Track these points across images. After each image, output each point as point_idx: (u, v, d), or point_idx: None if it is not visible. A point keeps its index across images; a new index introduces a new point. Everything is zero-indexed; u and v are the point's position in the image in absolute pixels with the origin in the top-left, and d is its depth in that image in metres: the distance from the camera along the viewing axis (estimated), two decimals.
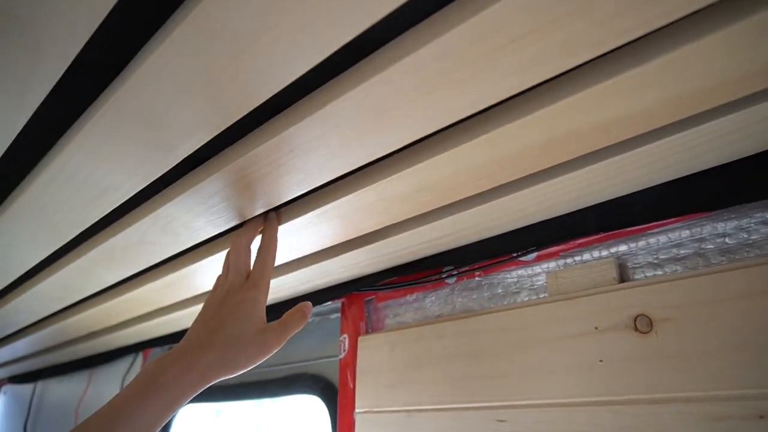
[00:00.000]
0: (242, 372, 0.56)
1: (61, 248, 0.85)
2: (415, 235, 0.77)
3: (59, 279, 0.99)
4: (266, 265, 0.63)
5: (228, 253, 0.67)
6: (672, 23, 0.37)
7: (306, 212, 0.69)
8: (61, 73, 0.44)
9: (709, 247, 0.64)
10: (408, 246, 0.82)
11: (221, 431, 1.67)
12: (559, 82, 0.45)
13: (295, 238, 0.77)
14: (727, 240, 0.63)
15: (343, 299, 1.01)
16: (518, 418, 0.70)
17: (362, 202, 0.66)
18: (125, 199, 0.64)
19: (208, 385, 0.53)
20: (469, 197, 0.68)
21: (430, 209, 0.71)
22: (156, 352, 1.58)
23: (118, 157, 0.55)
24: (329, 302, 1.03)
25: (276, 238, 0.67)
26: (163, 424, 0.50)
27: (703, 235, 0.65)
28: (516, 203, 0.68)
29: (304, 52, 0.40)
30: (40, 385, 2.15)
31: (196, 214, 0.69)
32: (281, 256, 0.87)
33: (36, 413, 2.10)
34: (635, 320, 0.63)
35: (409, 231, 0.76)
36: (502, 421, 0.71)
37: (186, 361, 0.52)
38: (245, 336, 0.56)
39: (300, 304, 0.64)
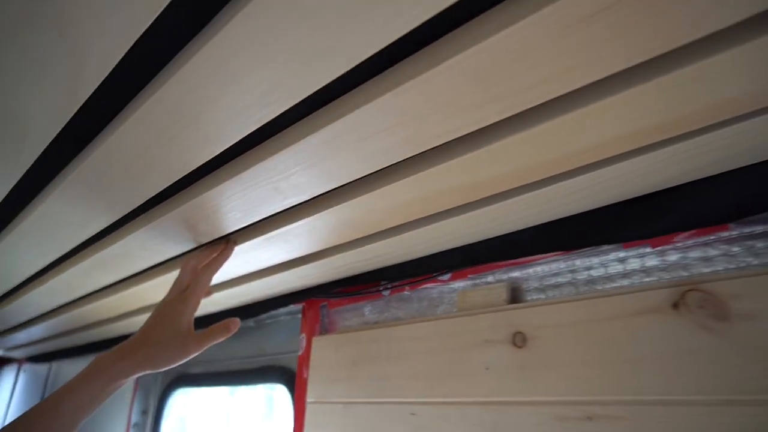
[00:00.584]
0: (167, 368, 0.70)
1: (62, 256, 1.02)
2: (354, 254, 0.92)
3: (63, 279, 1.15)
4: (199, 284, 0.77)
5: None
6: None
7: (255, 237, 0.84)
8: (46, 144, 0.59)
9: (579, 277, 0.77)
10: (349, 263, 0.96)
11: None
12: (424, 156, 0.59)
13: (251, 255, 0.92)
14: (591, 272, 0.76)
15: (303, 303, 1.16)
16: (426, 412, 0.85)
17: (302, 230, 0.81)
18: (103, 227, 0.80)
19: (138, 374, 0.68)
20: (394, 227, 0.81)
21: (359, 237, 0.85)
22: None
23: (94, 201, 0.71)
24: (292, 305, 1.18)
25: (220, 264, 0.82)
26: (103, 400, 0.66)
27: (575, 268, 0.78)
28: (431, 234, 0.82)
29: (231, 133, 0.54)
30: (54, 365, 2.35)
31: (165, 237, 0.84)
32: (245, 267, 1.02)
33: (51, 389, 2.31)
34: (514, 336, 0.77)
35: (349, 251, 0.90)
36: (413, 414, 0.86)
37: (122, 354, 0.68)
38: (168, 339, 0.71)
39: (227, 319, 0.79)
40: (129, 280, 1.19)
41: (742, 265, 0.63)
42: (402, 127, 0.50)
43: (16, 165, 0.64)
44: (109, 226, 0.81)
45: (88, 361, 1.91)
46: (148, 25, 0.39)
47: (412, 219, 0.77)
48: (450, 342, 0.85)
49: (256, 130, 0.53)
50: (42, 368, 2.44)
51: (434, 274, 0.92)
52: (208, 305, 1.36)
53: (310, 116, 0.53)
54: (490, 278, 0.87)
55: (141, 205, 0.72)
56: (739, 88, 0.43)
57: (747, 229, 0.63)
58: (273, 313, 1.30)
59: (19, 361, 2.68)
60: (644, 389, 0.63)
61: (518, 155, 0.55)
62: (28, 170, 0.66)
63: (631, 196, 0.68)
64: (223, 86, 0.46)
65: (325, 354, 1.06)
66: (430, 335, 0.88)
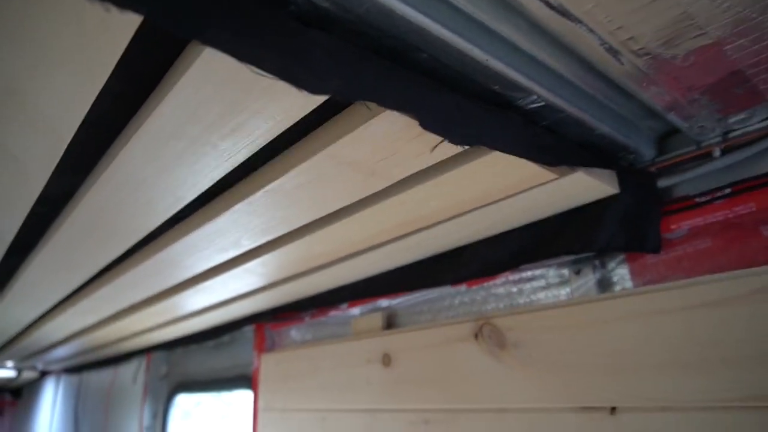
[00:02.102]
0: None
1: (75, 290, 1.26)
2: (281, 291, 1.13)
3: (81, 307, 1.41)
4: None
5: None
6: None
7: (216, 276, 1.05)
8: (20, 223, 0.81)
9: (434, 307, 0.97)
10: (284, 294, 1.17)
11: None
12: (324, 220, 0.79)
13: (216, 289, 1.14)
14: (434, 305, 0.96)
15: (255, 325, 1.39)
16: (333, 418, 1.06)
17: (252, 270, 1.01)
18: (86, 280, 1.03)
19: None
20: (305, 270, 1.02)
21: (288, 275, 1.05)
22: (156, 354, 2.02)
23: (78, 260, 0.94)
24: (247, 326, 1.41)
25: None
26: None
27: (430, 298, 0.97)
28: (335, 272, 1.02)
29: (171, 203, 0.75)
30: (84, 375, 2.68)
31: (143, 284, 1.08)
32: (210, 300, 1.24)
33: (83, 394, 2.65)
34: (383, 357, 0.97)
35: (282, 286, 1.12)
36: (324, 419, 1.08)
37: None
38: None
39: None
40: (122, 313, 1.43)
41: (517, 302, 0.82)
42: (306, 201, 0.68)
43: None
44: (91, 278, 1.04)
45: (108, 373, 2.29)
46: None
47: (321, 263, 0.98)
48: (346, 360, 1.06)
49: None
50: (75, 378, 2.77)
51: (337, 304, 1.12)
52: (185, 327, 1.61)
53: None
54: (375, 306, 1.07)
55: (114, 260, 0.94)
56: (487, 186, 0.61)
57: (519, 275, 0.81)
58: (243, 330, 1.53)
59: (57, 373, 3.04)
60: (459, 401, 0.83)
61: (384, 220, 0.73)
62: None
63: (447, 249, 0.87)
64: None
65: (269, 369, 1.29)
66: (333, 355, 1.09)
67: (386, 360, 0.96)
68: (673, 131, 0.67)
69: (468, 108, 0.47)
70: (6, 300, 1.24)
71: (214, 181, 0.58)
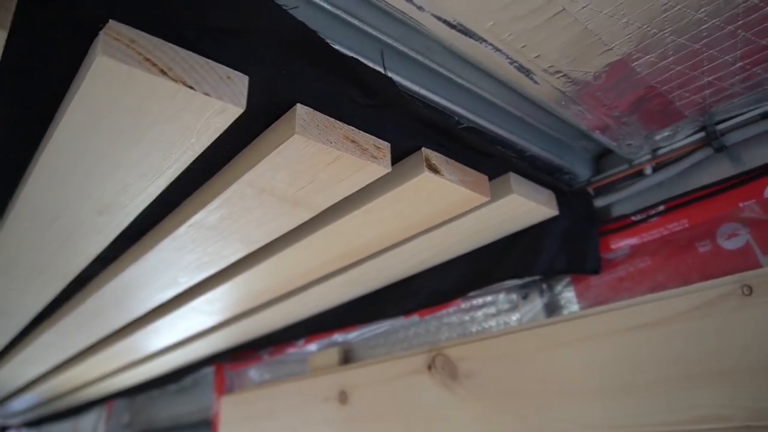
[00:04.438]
0: None
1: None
2: (235, 329, 1.09)
3: (27, 355, 1.33)
4: None
5: None
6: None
7: (168, 313, 1.01)
8: None
9: (389, 340, 0.94)
10: (241, 332, 1.13)
11: None
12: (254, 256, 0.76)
13: (169, 329, 1.10)
14: (389, 337, 0.93)
15: (214, 366, 1.33)
16: None
17: (202, 306, 0.97)
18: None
19: None
20: (254, 307, 0.98)
21: (232, 315, 1.02)
22: (118, 402, 1.94)
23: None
24: (206, 368, 1.36)
25: None
26: None
27: (385, 330, 0.95)
28: (286, 308, 0.98)
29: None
30: (44, 428, 2.55)
31: (78, 330, 1.02)
32: (167, 340, 1.19)
33: None
34: (339, 394, 0.93)
35: (228, 327, 1.08)
36: None
37: None
38: None
39: None
40: (74, 359, 1.37)
41: (469, 331, 0.80)
42: (235, 234, 0.65)
43: None
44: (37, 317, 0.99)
45: (68, 425, 2.14)
46: None
47: (267, 299, 0.94)
48: (304, 400, 1.01)
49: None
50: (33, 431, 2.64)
51: (293, 340, 1.09)
52: (144, 372, 1.55)
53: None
54: (332, 341, 1.04)
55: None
56: (420, 212, 0.60)
57: (470, 302, 0.79)
58: (204, 372, 1.47)
59: (17, 428, 2.89)
60: None
61: (322, 252, 0.70)
62: None
63: (395, 281, 0.85)
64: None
65: (228, 412, 1.23)
66: (292, 394, 1.05)
67: (342, 397, 0.93)
68: (607, 151, 0.68)
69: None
70: None
71: (132, 216, 0.55)
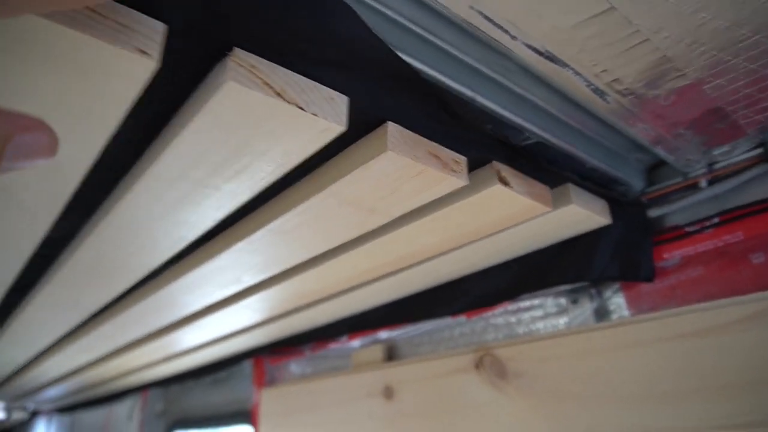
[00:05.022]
0: None
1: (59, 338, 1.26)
2: (277, 326, 1.13)
3: (79, 346, 1.39)
4: None
5: None
6: None
7: (215, 312, 1.06)
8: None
9: (434, 338, 0.97)
10: (283, 328, 1.17)
11: None
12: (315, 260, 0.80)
13: (215, 325, 1.14)
14: (433, 336, 0.96)
15: (253, 360, 1.38)
16: None
17: (249, 306, 1.01)
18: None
19: None
20: (304, 305, 1.02)
21: (280, 313, 1.06)
22: (152, 391, 2.00)
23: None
24: (246, 361, 1.40)
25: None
26: None
27: (430, 329, 0.98)
28: (332, 306, 1.02)
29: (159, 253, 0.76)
30: (77, 414, 2.63)
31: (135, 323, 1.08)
32: (210, 335, 1.24)
33: None
34: (385, 389, 0.97)
35: (273, 324, 1.12)
36: None
37: None
38: None
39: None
40: (119, 351, 1.42)
41: (516, 332, 0.83)
42: (306, 239, 0.69)
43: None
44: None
45: (102, 413, 2.23)
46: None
47: (318, 298, 0.98)
48: (347, 394, 1.05)
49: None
50: (66, 418, 2.72)
51: (336, 337, 1.12)
52: (182, 364, 1.60)
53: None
54: (375, 338, 1.07)
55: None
56: (483, 221, 0.63)
57: (517, 305, 0.82)
58: (241, 364, 1.52)
59: (49, 413, 2.98)
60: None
61: (381, 255, 0.74)
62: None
63: (444, 281, 0.88)
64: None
65: (268, 404, 1.28)
66: (334, 389, 1.09)
67: (388, 393, 0.96)
68: (661, 163, 0.70)
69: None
70: (3, 340, 1.24)
71: (217, 221, 0.59)
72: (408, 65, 0.42)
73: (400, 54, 0.41)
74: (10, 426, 3.46)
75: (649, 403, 0.62)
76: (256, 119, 0.40)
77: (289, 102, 0.39)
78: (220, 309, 1.00)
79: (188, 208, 0.55)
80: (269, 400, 1.28)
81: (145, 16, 0.34)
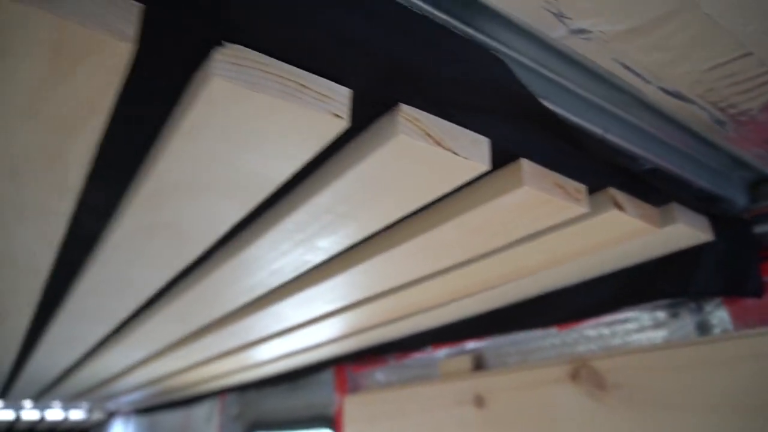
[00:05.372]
0: None
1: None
2: (364, 336, 1.19)
3: (178, 353, 1.50)
4: None
5: None
6: None
7: (272, 339, 1.13)
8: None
9: (523, 349, 1.00)
10: (365, 340, 1.23)
11: None
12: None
13: (299, 338, 1.22)
14: (521, 346, 0.99)
15: (334, 368, 1.44)
16: None
17: (334, 321, 1.08)
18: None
19: None
20: (389, 319, 1.07)
21: (369, 326, 1.11)
22: (230, 397, 2.10)
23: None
24: (327, 369, 1.47)
25: None
26: None
27: (518, 339, 1.01)
28: (422, 318, 1.07)
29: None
30: (155, 416, 2.78)
31: (232, 336, 1.15)
32: (294, 346, 1.31)
33: None
34: (475, 398, 1.01)
35: (359, 336, 1.18)
36: None
37: None
38: None
39: None
40: (208, 360, 1.51)
41: (610, 344, 0.85)
42: (420, 261, 0.75)
43: None
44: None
45: (180, 414, 2.35)
46: None
47: (412, 312, 1.03)
48: (435, 402, 1.09)
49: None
50: (145, 419, 2.88)
51: (421, 347, 1.17)
52: (263, 371, 1.68)
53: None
54: (461, 348, 1.11)
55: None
56: (592, 241, 0.67)
57: (612, 317, 0.84)
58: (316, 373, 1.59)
59: (127, 414, 3.15)
60: None
61: (486, 273, 0.78)
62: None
63: (539, 294, 0.91)
64: None
65: (353, 410, 1.33)
66: (421, 397, 1.13)
67: (479, 401, 1.00)
68: (761, 180, 0.71)
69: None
70: (117, 347, 1.34)
71: (345, 246, 0.64)
72: (546, 108, 0.45)
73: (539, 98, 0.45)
74: (90, 426, 3.68)
75: (753, 416, 0.64)
76: (416, 164, 0.45)
77: (445, 149, 0.44)
78: (309, 325, 1.06)
79: (324, 235, 0.61)
80: (353, 407, 1.34)
81: (335, 84, 0.39)
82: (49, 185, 0.49)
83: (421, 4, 0.38)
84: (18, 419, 3.10)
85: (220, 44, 0.35)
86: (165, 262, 0.71)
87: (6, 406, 2.91)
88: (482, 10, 0.40)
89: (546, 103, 0.47)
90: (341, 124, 0.39)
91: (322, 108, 0.38)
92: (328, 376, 1.54)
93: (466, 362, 1.08)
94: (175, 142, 0.40)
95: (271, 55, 0.36)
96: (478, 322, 1.04)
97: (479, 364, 1.07)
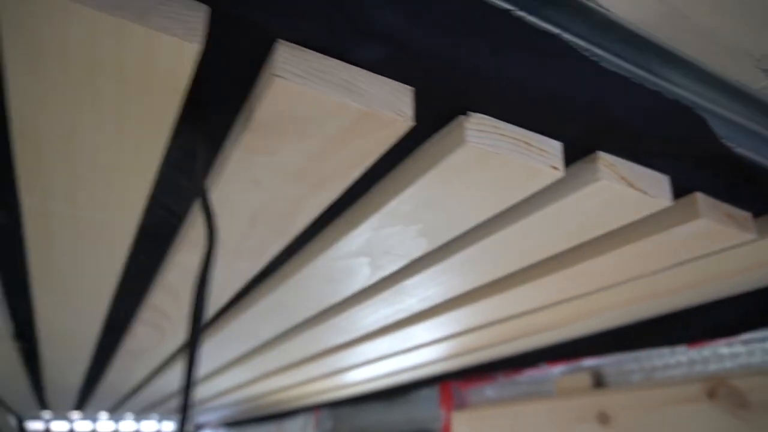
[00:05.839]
0: None
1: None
2: (470, 356, 1.23)
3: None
4: None
5: None
6: None
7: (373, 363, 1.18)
8: None
9: (645, 366, 1.02)
10: (470, 360, 1.27)
11: None
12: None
13: (406, 355, 1.27)
14: (644, 363, 1.00)
15: (439, 385, 1.49)
16: None
17: (432, 346, 1.14)
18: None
19: None
20: (505, 339, 1.12)
21: (479, 346, 1.16)
22: (323, 412, 2.18)
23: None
24: (432, 386, 1.51)
25: None
26: None
27: (641, 356, 1.02)
28: (528, 341, 1.10)
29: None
30: (242, 429, 2.90)
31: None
32: (399, 365, 1.37)
33: None
34: (598, 416, 1.02)
35: (466, 356, 1.22)
36: None
37: None
38: None
39: None
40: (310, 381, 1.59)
41: (747, 363, 0.85)
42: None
43: None
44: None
45: (272, 427, 2.44)
46: None
47: (524, 333, 1.07)
48: (552, 420, 1.12)
49: None
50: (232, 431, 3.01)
51: (535, 364, 1.20)
52: (351, 391, 1.75)
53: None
54: (578, 365, 1.13)
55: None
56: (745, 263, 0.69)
57: (749, 335, 0.85)
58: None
59: (214, 427, 3.30)
60: None
61: (625, 293, 0.82)
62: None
63: (668, 311, 0.92)
64: None
65: (461, 427, 1.37)
66: (535, 414, 1.16)
67: (603, 419, 1.02)
68: None
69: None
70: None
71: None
72: (729, 149, 0.49)
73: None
74: None
75: None
76: (608, 204, 0.50)
77: (636, 189, 0.48)
78: (426, 347, 1.11)
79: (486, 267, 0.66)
80: (462, 423, 1.37)
81: (551, 140, 0.44)
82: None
83: (619, 62, 0.43)
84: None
85: (465, 114, 0.41)
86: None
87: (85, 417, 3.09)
88: (679, 64, 0.45)
89: (725, 142, 0.50)
90: (557, 175, 0.44)
91: (542, 162, 0.43)
92: (430, 391, 1.59)
93: (584, 379, 1.09)
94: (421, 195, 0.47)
95: (504, 120, 0.42)
96: (599, 340, 1.06)
97: (599, 381, 1.09)
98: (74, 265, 0.66)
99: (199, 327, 0.32)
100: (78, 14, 0.28)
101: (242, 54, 0.35)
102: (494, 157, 0.41)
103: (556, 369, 1.18)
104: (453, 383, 1.46)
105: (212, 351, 1.24)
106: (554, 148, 0.44)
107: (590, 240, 0.64)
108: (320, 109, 0.36)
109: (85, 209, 0.51)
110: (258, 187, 0.46)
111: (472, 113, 0.41)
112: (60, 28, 0.29)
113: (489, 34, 0.36)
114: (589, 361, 1.12)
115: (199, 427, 3.55)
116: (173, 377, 1.60)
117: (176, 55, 0.31)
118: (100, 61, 0.32)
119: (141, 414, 3.03)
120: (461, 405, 1.44)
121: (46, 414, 2.70)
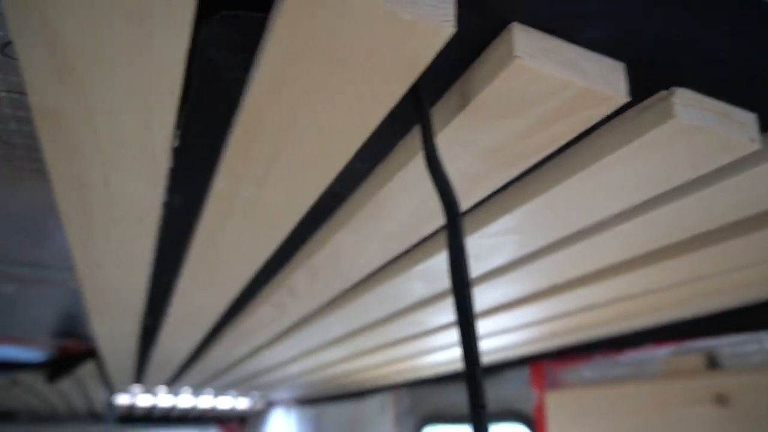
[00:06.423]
0: None
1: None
2: (568, 336, 1.23)
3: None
4: None
5: None
6: None
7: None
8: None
9: (764, 347, 0.99)
10: (566, 340, 1.27)
11: None
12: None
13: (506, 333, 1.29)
14: (765, 344, 0.98)
15: (531, 365, 1.49)
16: None
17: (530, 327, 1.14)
18: None
19: None
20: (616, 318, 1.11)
21: (581, 326, 1.16)
22: (402, 391, 2.23)
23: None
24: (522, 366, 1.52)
25: None
26: None
27: (760, 339, 1.00)
28: (634, 321, 1.10)
29: None
30: (318, 407, 3.00)
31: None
32: (492, 345, 1.39)
33: (323, 425, 2.95)
34: (716, 397, 1.01)
35: (562, 337, 1.22)
36: None
37: None
38: None
39: None
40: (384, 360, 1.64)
41: None
42: None
43: None
44: None
45: (349, 407, 2.55)
46: None
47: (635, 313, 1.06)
48: (658, 401, 1.11)
49: None
50: (310, 410, 3.11)
51: (640, 344, 1.19)
52: (435, 369, 1.78)
53: None
54: (689, 346, 1.12)
55: None
56: None
57: None
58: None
59: (287, 404, 3.43)
60: None
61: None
62: None
63: None
64: None
65: (556, 408, 1.38)
66: (639, 395, 1.15)
67: (721, 400, 1.00)
68: None
69: None
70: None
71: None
72: None
73: None
74: (249, 414, 4.04)
75: None
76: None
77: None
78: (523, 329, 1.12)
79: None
80: (558, 404, 1.38)
81: (748, 113, 0.44)
82: None
83: None
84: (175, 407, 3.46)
85: (667, 89, 0.41)
86: None
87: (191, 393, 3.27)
88: None
89: None
90: (754, 147, 0.44)
91: (741, 134, 0.43)
92: (520, 371, 1.60)
93: (696, 360, 1.08)
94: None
95: (704, 94, 0.42)
96: (713, 321, 1.04)
97: (713, 362, 1.07)
98: (233, 247, 0.70)
99: (470, 303, 0.34)
100: (351, 4, 0.31)
101: (472, 38, 0.37)
102: (697, 130, 0.42)
103: (662, 350, 1.17)
104: (546, 363, 1.46)
105: (317, 331, 1.30)
106: (751, 120, 0.44)
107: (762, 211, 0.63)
108: (546, 87, 0.37)
109: (271, 191, 0.54)
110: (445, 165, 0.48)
111: (676, 88, 0.41)
112: (332, 19, 0.32)
113: (699, 7, 0.36)
114: (701, 342, 1.10)
115: (271, 404, 3.70)
116: (269, 357, 1.68)
117: (428, 40, 0.33)
118: (354, 47, 0.34)
119: (220, 390, 3.19)
120: (554, 385, 1.45)
121: (136, 388, 2.88)
